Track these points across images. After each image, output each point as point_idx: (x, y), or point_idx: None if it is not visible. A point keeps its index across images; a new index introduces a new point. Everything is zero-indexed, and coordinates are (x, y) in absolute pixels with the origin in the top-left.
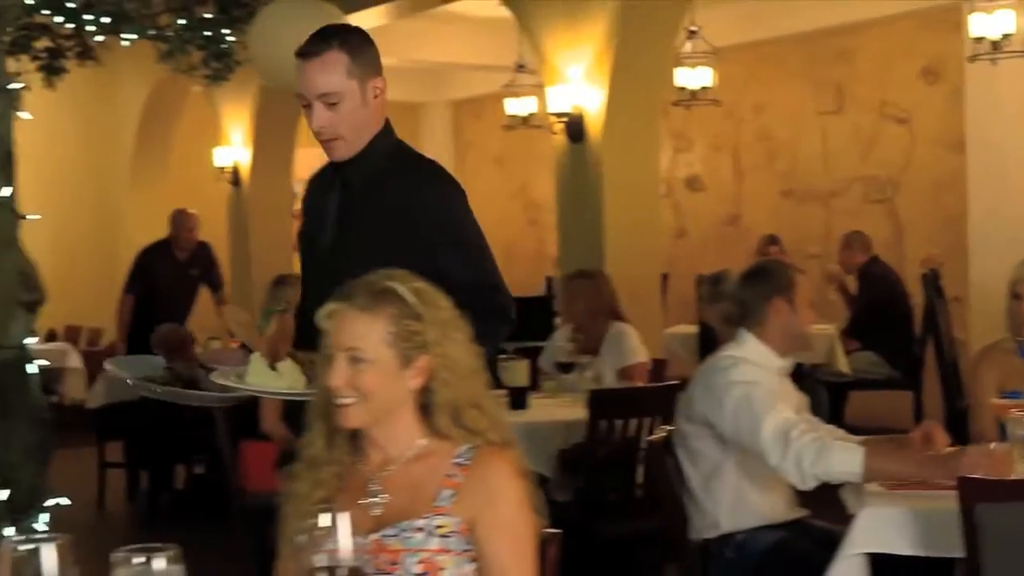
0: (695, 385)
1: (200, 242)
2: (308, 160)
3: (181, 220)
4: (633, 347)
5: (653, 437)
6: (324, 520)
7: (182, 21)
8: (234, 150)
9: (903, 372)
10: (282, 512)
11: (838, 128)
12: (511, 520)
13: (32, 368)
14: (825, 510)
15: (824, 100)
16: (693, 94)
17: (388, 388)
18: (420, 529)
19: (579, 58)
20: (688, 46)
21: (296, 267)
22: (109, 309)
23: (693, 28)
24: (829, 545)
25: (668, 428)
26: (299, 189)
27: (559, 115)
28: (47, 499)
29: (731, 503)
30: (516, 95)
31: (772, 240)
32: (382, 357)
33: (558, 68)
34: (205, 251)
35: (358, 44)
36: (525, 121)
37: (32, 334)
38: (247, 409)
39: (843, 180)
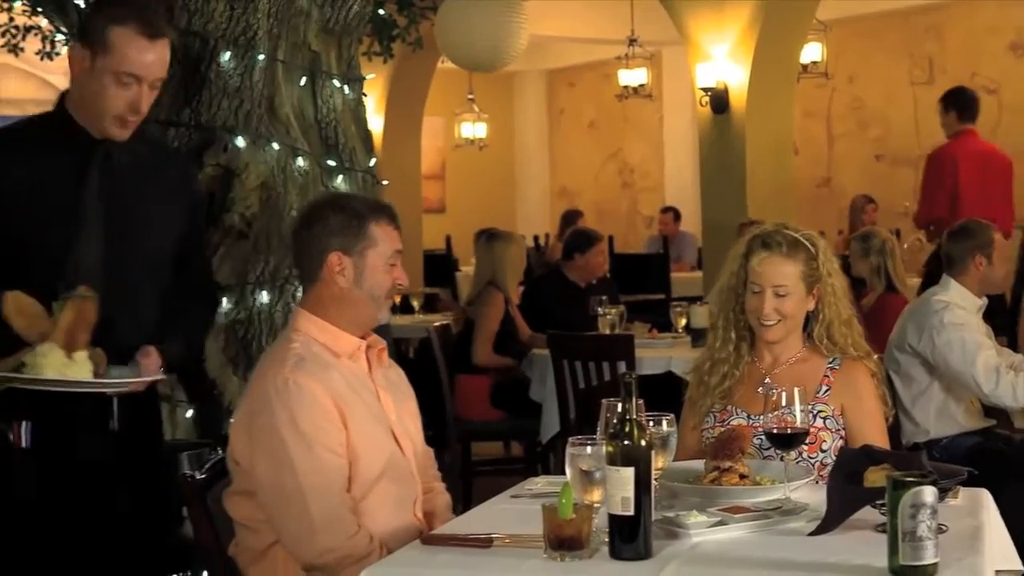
0: (906, 321)
1: None
2: (432, 127)
3: None
4: None
5: None
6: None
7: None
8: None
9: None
10: (688, 394)
11: (930, 97)
12: (872, 408)
13: None
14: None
15: (917, 72)
16: (804, 67)
17: (799, 311)
18: (808, 412)
19: (724, 38)
20: None
21: None
22: None
23: None
24: (1011, 445)
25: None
26: (427, 154)
27: (705, 89)
28: None
29: (936, 415)
30: (628, 67)
31: (868, 199)
32: (797, 289)
33: (703, 47)
34: None
35: None
36: (636, 91)
37: None
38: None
39: (933, 145)
